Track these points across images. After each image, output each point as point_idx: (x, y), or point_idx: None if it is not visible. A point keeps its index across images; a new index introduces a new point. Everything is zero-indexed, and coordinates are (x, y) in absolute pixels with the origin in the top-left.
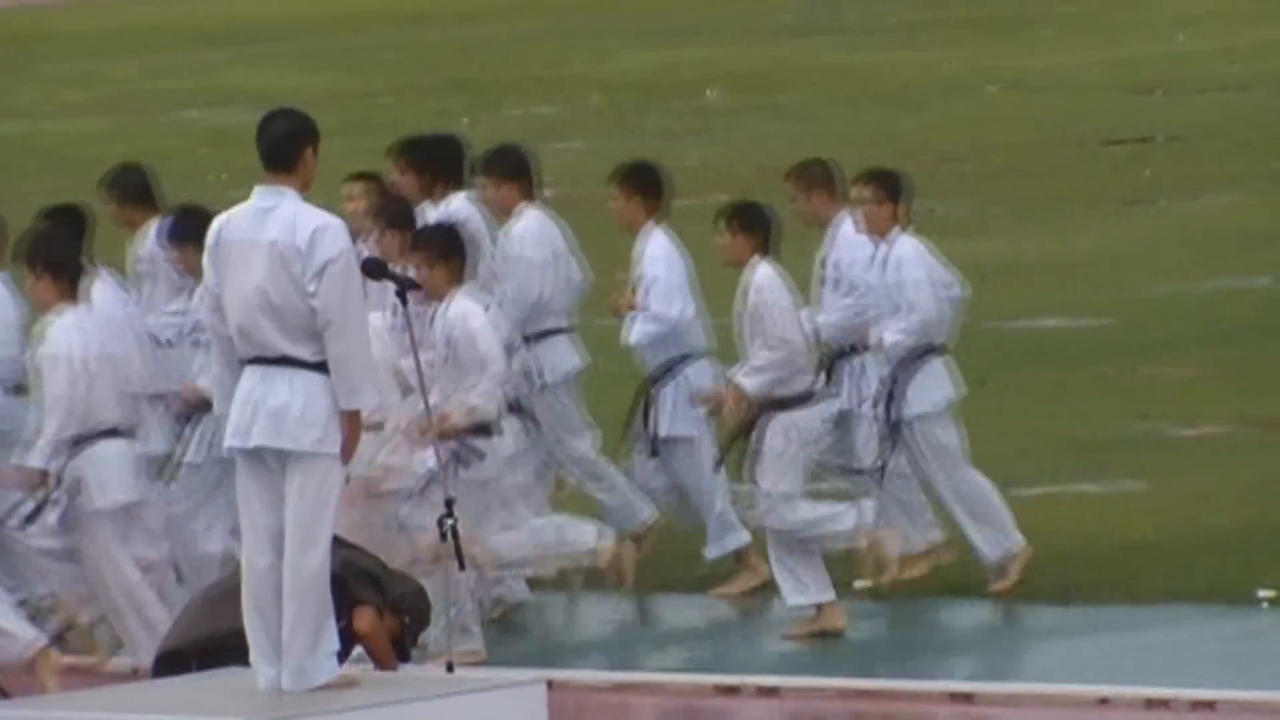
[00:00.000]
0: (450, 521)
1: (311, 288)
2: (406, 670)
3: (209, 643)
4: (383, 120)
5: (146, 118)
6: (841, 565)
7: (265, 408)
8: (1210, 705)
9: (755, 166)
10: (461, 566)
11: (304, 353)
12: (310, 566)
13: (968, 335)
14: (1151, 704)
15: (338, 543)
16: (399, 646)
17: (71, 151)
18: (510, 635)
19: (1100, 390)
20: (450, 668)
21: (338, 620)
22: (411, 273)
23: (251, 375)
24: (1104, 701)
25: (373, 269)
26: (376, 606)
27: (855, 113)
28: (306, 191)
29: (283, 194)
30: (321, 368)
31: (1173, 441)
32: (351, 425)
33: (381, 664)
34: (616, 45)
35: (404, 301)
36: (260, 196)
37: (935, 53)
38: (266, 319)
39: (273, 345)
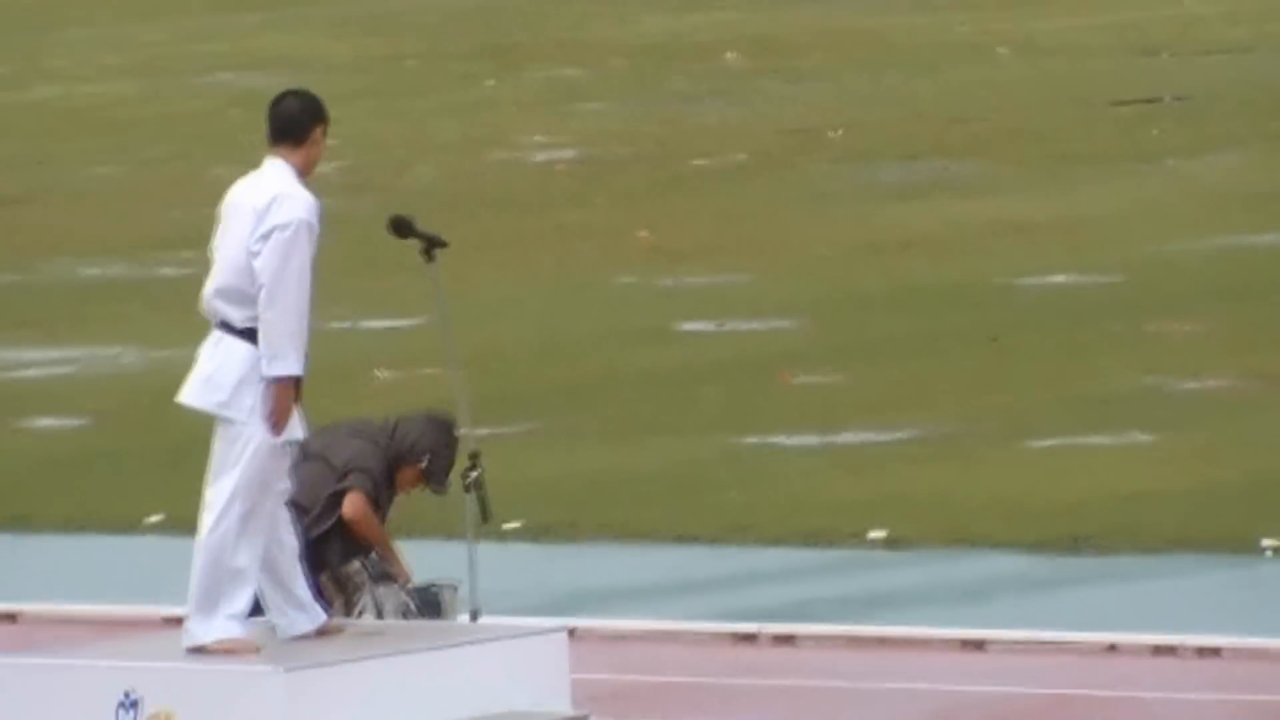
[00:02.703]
0: (475, 474)
1: (256, 248)
2: (430, 623)
3: None
4: (410, 83)
5: (178, 80)
6: (853, 515)
7: (197, 369)
8: (1216, 651)
9: (773, 128)
10: (485, 519)
11: (235, 317)
12: (204, 530)
13: (980, 292)
14: (1159, 650)
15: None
16: (433, 482)
17: (106, 114)
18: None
19: (1108, 345)
20: (475, 616)
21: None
22: None
23: (208, 338)
24: (1112, 648)
25: (400, 227)
26: (363, 489)
27: (870, 75)
28: (309, 173)
29: (278, 166)
30: (247, 334)
31: (1179, 395)
32: (277, 394)
33: (375, 546)
34: (638, 10)
35: (430, 259)
36: (264, 166)
37: (948, 16)
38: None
39: (219, 309)
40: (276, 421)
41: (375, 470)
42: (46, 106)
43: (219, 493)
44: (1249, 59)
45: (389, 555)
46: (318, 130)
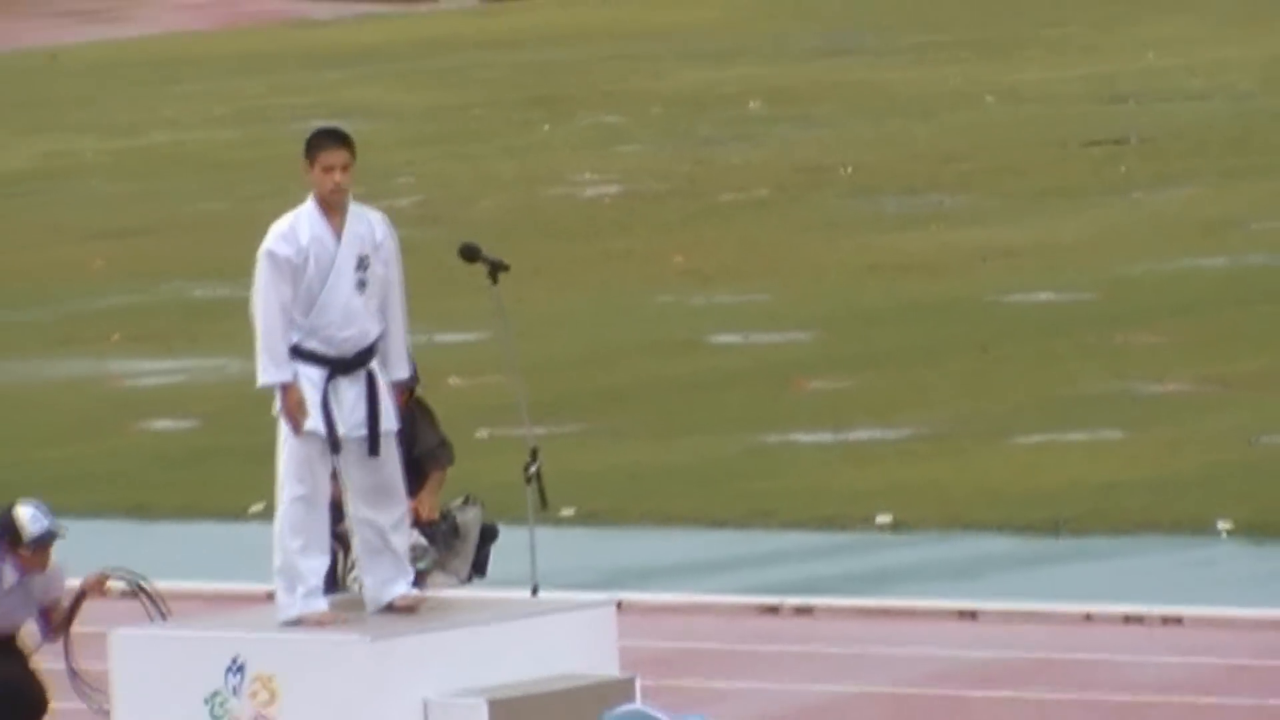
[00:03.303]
0: (534, 467)
1: None
2: (494, 596)
3: None
4: (474, 129)
5: (273, 128)
6: (862, 502)
7: None
8: (1178, 620)
9: (790, 166)
10: (543, 506)
11: None
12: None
13: (971, 308)
14: (1128, 619)
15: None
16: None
17: (211, 157)
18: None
19: (1083, 354)
20: (535, 591)
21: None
22: None
23: None
24: (1088, 617)
25: (468, 253)
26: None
27: (874, 121)
28: (321, 199)
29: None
30: None
31: (1145, 397)
32: (280, 399)
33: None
34: (672, 65)
35: (494, 281)
36: None
37: (942, 69)
38: None
39: None
40: (290, 422)
41: None
42: (161, 150)
43: (276, 486)
44: (1205, 105)
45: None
46: (307, 162)
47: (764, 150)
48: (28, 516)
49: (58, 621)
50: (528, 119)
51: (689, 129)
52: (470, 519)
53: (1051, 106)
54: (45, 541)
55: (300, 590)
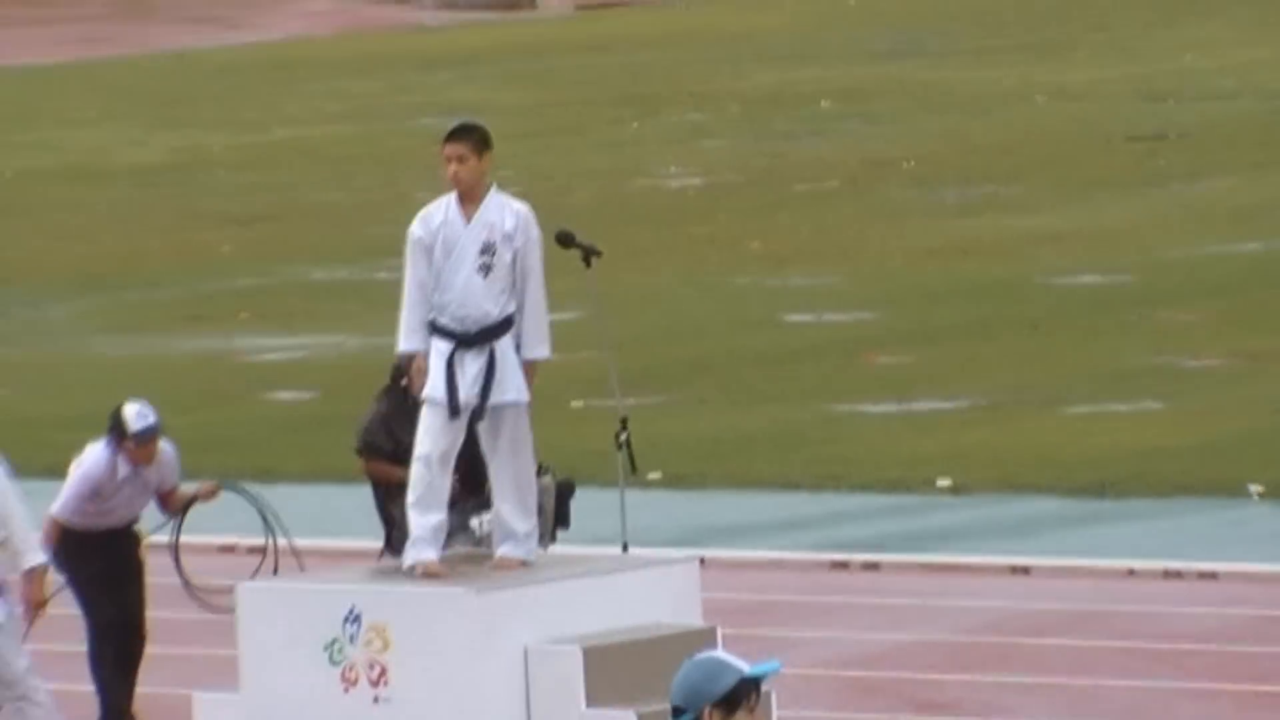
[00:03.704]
0: (624, 434)
1: None
2: (588, 552)
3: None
4: (570, 126)
5: (386, 125)
6: (923, 467)
7: None
8: (1214, 575)
9: (858, 159)
10: (633, 471)
11: None
12: None
13: (1023, 289)
14: (1168, 574)
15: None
16: None
17: (330, 151)
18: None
19: (1125, 331)
20: (625, 548)
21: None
22: None
23: None
24: (1131, 572)
25: (564, 239)
26: None
27: (935, 117)
28: (455, 187)
29: None
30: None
31: (1182, 371)
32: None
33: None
34: (750, 67)
35: (588, 265)
36: None
37: (997, 70)
38: None
39: None
40: (411, 385)
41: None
42: (284, 145)
43: None
44: (1237, 103)
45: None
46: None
47: (834, 145)
48: (133, 413)
49: (174, 508)
50: (618, 116)
51: (765, 125)
52: (542, 487)
53: (1097, 105)
54: (148, 436)
55: (413, 543)
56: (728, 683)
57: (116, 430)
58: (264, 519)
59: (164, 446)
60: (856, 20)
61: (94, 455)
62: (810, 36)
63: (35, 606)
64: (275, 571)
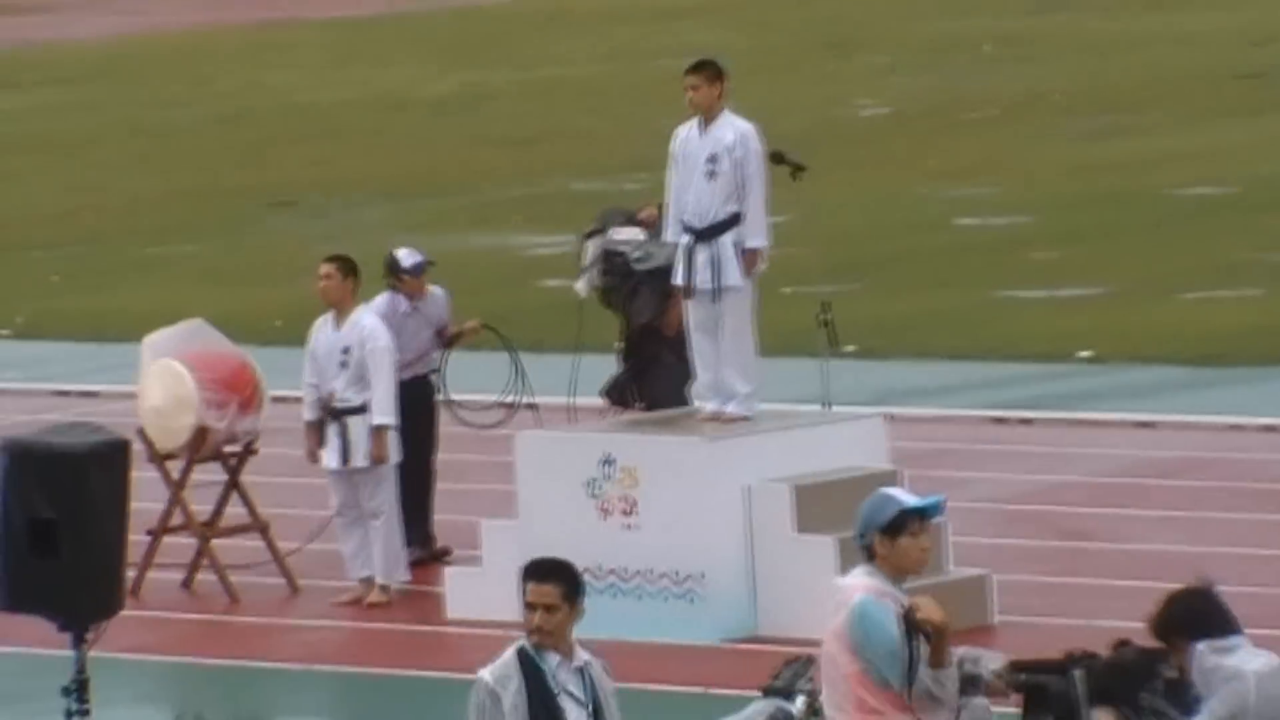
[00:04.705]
0: (827, 315)
1: None
2: (796, 408)
3: None
4: (782, 63)
5: (636, 64)
6: (1067, 341)
7: None
8: None
9: (1016, 93)
10: (833, 344)
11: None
12: None
13: (1148, 199)
14: (1267, 428)
15: None
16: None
17: (590, 85)
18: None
19: (1230, 232)
20: (827, 406)
21: None
22: None
23: None
24: (1235, 427)
25: (776, 157)
26: None
27: (1078, 58)
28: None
29: None
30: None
31: (1277, 264)
32: None
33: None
34: (930, 14)
35: (795, 179)
36: None
37: (1129, 21)
38: None
39: None
40: None
41: None
42: (549, 81)
43: None
44: None
45: None
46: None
47: (996, 81)
48: (404, 253)
49: (446, 340)
50: (821, 57)
51: (940, 65)
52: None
53: (1209, 48)
54: (419, 271)
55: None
56: (890, 513)
57: (393, 269)
58: (511, 356)
59: (436, 289)
60: None
61: (378, 300)
62: None
63: (375, 460)
64: (517, 405)
